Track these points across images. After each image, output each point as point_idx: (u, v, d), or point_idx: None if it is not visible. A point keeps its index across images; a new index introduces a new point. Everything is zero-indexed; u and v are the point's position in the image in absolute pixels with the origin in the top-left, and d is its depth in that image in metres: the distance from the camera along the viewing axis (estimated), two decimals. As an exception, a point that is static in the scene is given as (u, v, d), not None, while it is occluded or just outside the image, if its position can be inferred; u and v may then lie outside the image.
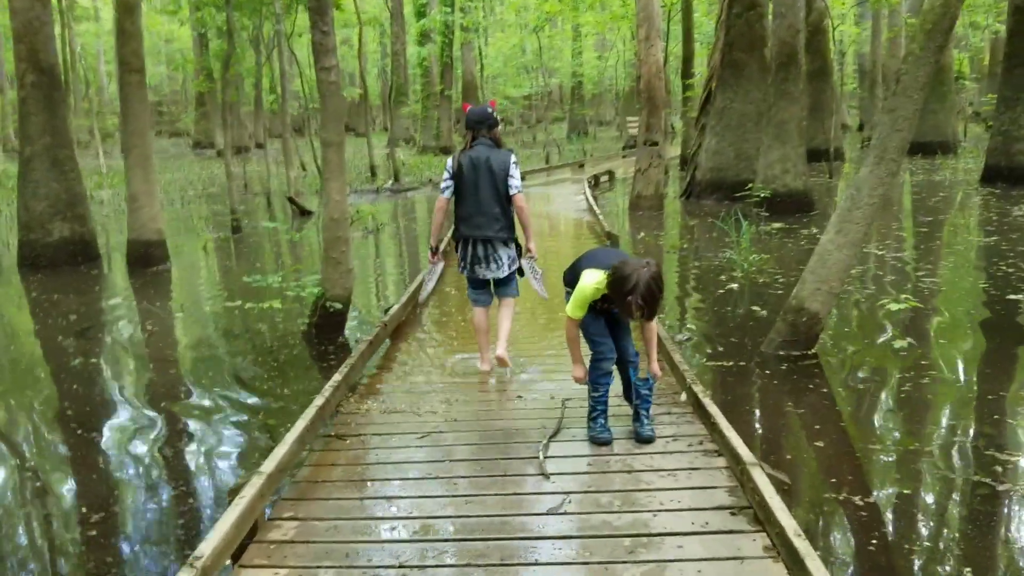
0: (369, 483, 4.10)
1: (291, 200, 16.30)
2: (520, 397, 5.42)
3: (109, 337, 8.28)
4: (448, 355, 6.37)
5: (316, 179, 22.44)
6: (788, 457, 4.99)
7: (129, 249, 11.45)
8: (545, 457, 4.34)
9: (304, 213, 16.06)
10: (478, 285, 5.81)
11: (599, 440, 4.60)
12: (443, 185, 5.60)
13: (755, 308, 8.13)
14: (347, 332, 7.52)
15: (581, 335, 4.64)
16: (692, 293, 9.03)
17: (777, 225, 12.81)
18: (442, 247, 6.18)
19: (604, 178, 22.85)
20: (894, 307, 7.35)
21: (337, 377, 5.32)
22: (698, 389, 4.90)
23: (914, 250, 11.00)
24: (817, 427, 5.32)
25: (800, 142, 14.20)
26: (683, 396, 5.20)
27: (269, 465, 3.77)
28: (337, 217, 7.04)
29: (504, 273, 5.69)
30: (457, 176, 5.50)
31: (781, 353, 6.63)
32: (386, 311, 7.23)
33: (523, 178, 6.04)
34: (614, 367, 4.64)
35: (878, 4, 23.28)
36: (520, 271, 5.77)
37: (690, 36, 22.55)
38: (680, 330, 7.47)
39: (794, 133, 14.06)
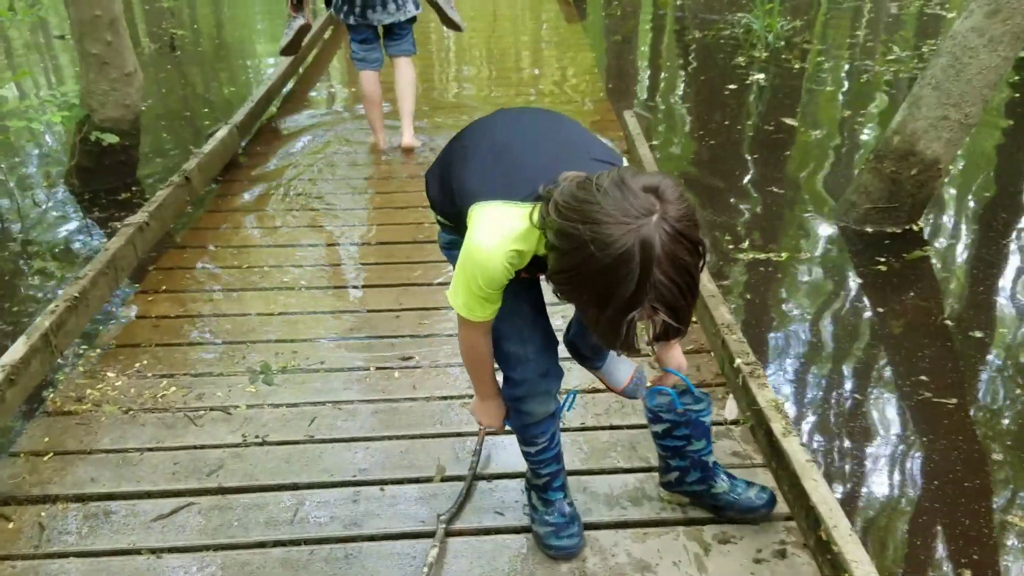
0: None
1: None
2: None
3: None
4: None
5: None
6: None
7: None
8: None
9: None
10: (367, 39, 4.44)
11: (560, 551, 2.07)
12: None
13: (786, 119, 5.25)
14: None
15: (491, 344, 1.89)
16: (698, 95, 6.01)
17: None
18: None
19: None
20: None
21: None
22: (762, 397, 2.26)
23: None
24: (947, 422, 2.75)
25: None
26: (729, 409, 2.55)
27: None
28: (85, -20, 3.85)
29: (409, 14, 4.37)
30: None
31: (868, 229, 3.90)
32: (209, 136, 4.31)
33: None
34: (558, 392, 2.01)
35: None
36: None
37: None
38: (690, 190, 4.64)
39: None
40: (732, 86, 5.99)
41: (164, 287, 3.42)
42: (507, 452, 2.39)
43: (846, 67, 6.29)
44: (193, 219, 4.03)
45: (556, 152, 1.67)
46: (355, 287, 3.40)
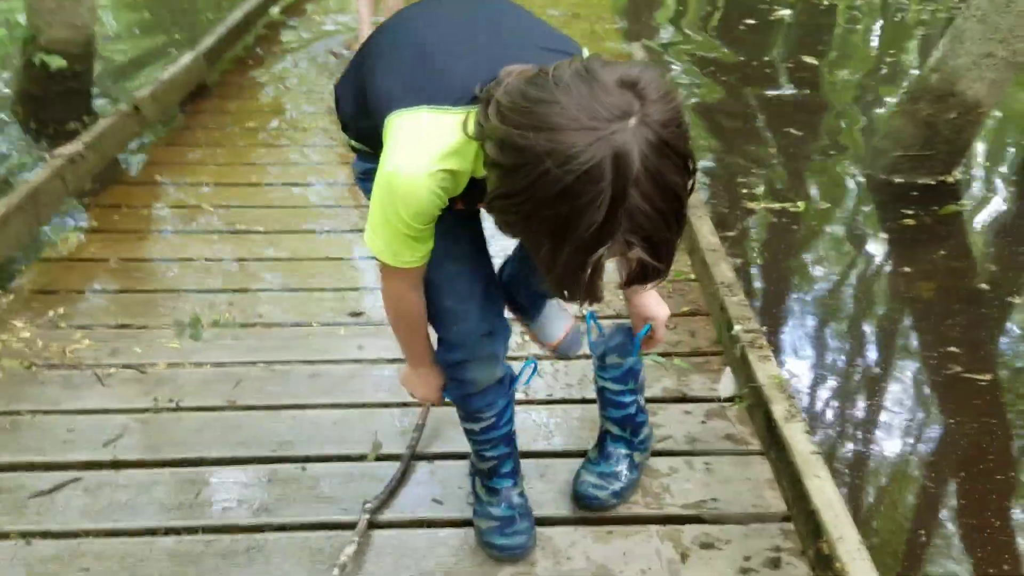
0: None
1: None
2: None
3: None
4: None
5: None
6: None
7: None
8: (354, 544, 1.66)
9: None
10: None
11: (503, 551, 1.69)
12: None
13: (807, 57, 4.75)
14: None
15: (423, 297, 1.50)
16: (713, 24, 5.49)
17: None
18: None
19: None
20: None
21: None
22: (763, 372, 1.88)
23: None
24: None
25: None
26: (724, 385, 2.16)
27: None
28: None
29: None
30: None
31: (897, 179, 3.46)
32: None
33: None
34: (506, 355, 1.62)
35: None
36: None
37: None
38: (702, 140, 4.18)
39: None
40: (752, 21, 5.48)
41: (98, 226, 3.04)
42: (459, 428, 2.02)
43: (880, 3, 5.77)
44: (145, 151, 3.65)
45: (497, 42, 1.27)
46: (314, 232, 3.02)
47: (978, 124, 3.36)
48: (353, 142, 1.48)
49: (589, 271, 1.04)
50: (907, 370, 2.53)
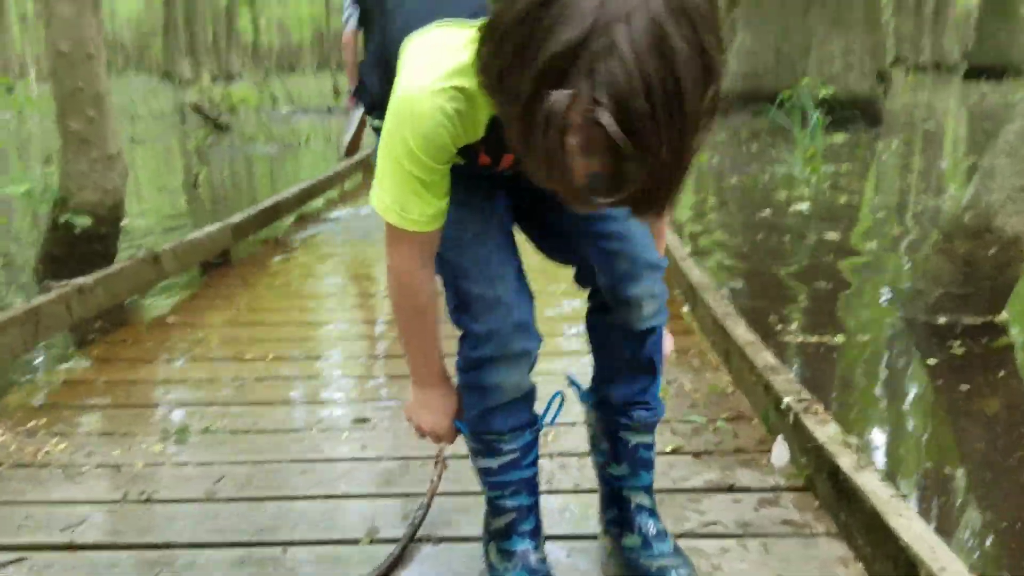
0: None
1: (196, 108, 12.80)
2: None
3: None
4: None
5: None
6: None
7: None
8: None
9: (218, 127, 12.48)
10: None
11: None
12: (346, 15, 4.28)
13: (851, 243, 4.73)
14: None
15: (434, 280, 1.30)
16: (738, 219, 5.55)
17: (840, 138, 9.33)
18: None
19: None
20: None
21: None
22: (823, 433, 1.59)
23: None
24: None
25: (869, 28, 10.64)
26: (777, 453, 1.88)
27: None
28: (68, 50, 3.63)
29: None
30: None
31: (941, 320, 3.27)
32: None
33: None
34: (535, 351, 1.35)
35: None
36: None
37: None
38: (728, 277, 4.09)
39: (859, 16, 10.51)
40: (768, 211, 5.54)
41: (98, 355, 2.90)
42: (471, 514, 1.73)
43: (900, 202, 5.85)
44: (159, 300, 3.57)
45: None
46: (321, 356, 2.84)
47: (1022, 260, 3.21)
48: (377, 122, 1.33)
49: (542, 128, 0.83)
50: (979, 473, 2.19)
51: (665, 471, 1.91)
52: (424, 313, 1.30)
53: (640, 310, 1.36)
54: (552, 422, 1.45)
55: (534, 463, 1.43)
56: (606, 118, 0.80)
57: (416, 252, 1.23)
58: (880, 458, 2.31)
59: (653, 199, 0.87)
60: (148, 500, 1.88)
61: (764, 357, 2.11)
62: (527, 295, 1.34)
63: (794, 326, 3.27)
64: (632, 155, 0.81)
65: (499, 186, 1.33)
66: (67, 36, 3.60)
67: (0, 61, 32.36)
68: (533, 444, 1.41)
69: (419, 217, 1.17)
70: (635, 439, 1.45)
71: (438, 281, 1.31)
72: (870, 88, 10.67)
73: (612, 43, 0.80)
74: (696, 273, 3.09)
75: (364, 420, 2.30)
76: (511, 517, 1.42)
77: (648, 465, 1.49)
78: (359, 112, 4.78)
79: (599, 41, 0.80)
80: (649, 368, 1.43)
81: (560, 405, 1.45)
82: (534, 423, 1.40)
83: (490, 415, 1.35)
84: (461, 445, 2.04)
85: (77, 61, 3.64)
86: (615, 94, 0.80)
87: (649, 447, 1.48)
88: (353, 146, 5.07)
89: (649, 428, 1.46)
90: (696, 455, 2.02)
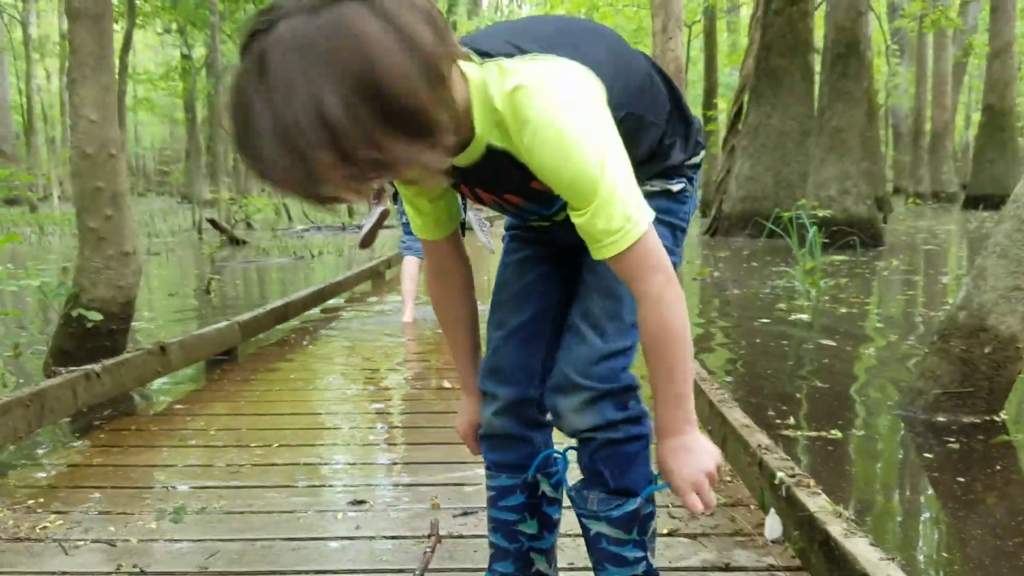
0: None
1: (212, 222, 13.12)
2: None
3: None
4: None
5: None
6: None
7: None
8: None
9: (234, 241, 12.77)
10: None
11: None
12: None
13: (849, 348, 4.77)
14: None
15: (466, 272, 1.48)
16: (738, 325, 5.61)
17: (839, 258, 9.49)
18: (388, 190, 4.98)
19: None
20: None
21: None
22: (814, 503, 1.59)
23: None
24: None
25: (863, 156, 10.98)
26: (770, 526, 1.88)
27: None
28: (93, 152, 3.81)
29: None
30: None
31: (939, 419, 3.27)
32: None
33: None
34: (531, 405, 1.43)
35: (942, 23, 19.97)
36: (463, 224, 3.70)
37: (713, 64, 19.65)
38: (725, 373, 4.11)
39: (855, 144, 10.87)
40: (767, 320, 5.60)
41: (102, 441, 2.92)
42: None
43: (902, 312, 5.91)
44: (165, 393, 3.61)
45: None
46: (324, 443, 2.85)
47: (1018, 360, 3.23)
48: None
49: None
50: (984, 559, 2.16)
51: (662, 551, 1.90)
52: (447, 327, 1.46)
53: (560, 420, 1.33)
54: (554, 481, 1.46)
55: (517, 512, 1.43)
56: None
57: (431, 255, 1.41)
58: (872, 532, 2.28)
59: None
60: (141, 573, 1.87)
61: (758, 438, 2.13)
62: (526, 345, 1.39)
63: (791, 420, 3.28)
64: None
65: (548, 250, 1.43)
66: (92, 138, 3.78)
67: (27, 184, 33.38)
68: (513, 491, 1.42)
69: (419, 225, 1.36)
70: (595, 528, 1.35)
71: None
72: (868, 211, 10.92)
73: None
74: (693, 364, 3.13)
75: (361, 502, 2.30)
76: (490, 552, 1.48)
77: (616, 561, 1.34)
78: (379, 209, 5.21)
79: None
80: (598, 480, 1.32)
81: (565, 466, 1.44)
82: (515, 470, 1.42)
83: (483, 444, 1.45)
84: (455, 525, 2.05)
85: (100, 161, 3.81)
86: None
87: (618, 542, 1.33)
88: (368, 239, 5.37)
89: (613, 523, 1.33)
90: (693, 537, 2.01)
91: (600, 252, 1.11)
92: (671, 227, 1.35)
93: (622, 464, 1.30)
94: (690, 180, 1.40)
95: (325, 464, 2.65)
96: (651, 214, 1.12)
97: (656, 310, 1.14)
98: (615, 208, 1.07)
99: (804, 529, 1.67)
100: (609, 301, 1.30)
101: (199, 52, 27.96)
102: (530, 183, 1.15)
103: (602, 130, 1.06)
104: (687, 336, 1.18)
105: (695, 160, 1.41)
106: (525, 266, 1.42)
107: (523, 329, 1.40)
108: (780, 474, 1.84)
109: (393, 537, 2.05)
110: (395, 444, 2.86)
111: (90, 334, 3.98)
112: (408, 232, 5.01)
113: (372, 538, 2.05)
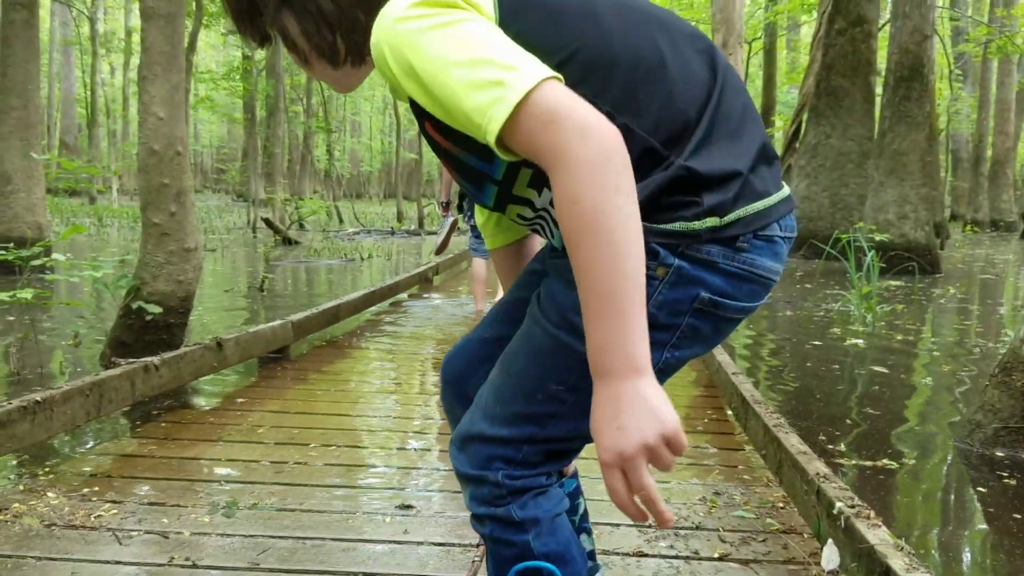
0: None
1: (267, 222, 13.33)
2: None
3: None
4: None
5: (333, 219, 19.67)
6: None
7: None
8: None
9: (287, 241, 12.97)
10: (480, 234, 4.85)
11: None
12: None
13: (903, 376, 4.66)
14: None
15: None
16: (790, 346, 5.53)
17: (896, 283, 9.30)
18: (454, 202, 6.01)
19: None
20: None
21: None
22: (874, 536, 1.55)
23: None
24: None
25: (923, 180, 10.75)
26: (827, 557, 1.84)
27: None
28: (160, 149, 3.89)
29: None
30: None
31: (997, 453, 3.18)
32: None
33: None
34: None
35: (1008, 49, 19.52)
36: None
37: (772, 82, 19.45)
38: (777, 396, 4.05)
39: (916, 168, 10.65)
40: (819, 343, 5.51)
41: (157, 433, 2.97)
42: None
43: (957, 341, 5.76)
44: (220, 388, 3.67)
45: None
46: (369, 447, 2.87)
47: (1082, 398, 3.14)
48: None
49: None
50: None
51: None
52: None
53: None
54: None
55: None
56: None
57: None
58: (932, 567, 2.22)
59: None
60: (194, 566, 1.90)
61: (816, 466, 2.09)
62: (471, 362, 1.29)
63: (842, 447, 3.21)
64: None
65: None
66: (160, 136, 3.87)
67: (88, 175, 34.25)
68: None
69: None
70: None
71: None
72: (926, 237, 10.68)
73: None
74: (748, 387, 3.09)
75: (409, 507, 2.30)
76: None
77: None
78: (450, 219, 5.90)
79: None
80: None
81: (576, 491, 1.38)
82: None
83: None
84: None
85: (166, 158, 3.89)
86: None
87: None
88: (442, 246, 6.08)
89: None
90: (744, 563, 1.98)
91: (490, 139, 0.86)
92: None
93: (496, 565, 1.09)
94: (683, 256, 0.97)
95: (373, 466, 2.67)
96: (539, 69, 0.86)
97: (562, 179, 0.83)
98: (474, 79, 0.86)
99: (863, 561, 1.63)
100: (502, 377, 1.08)
101: (260, 54, 28.48)
102: (425, 125, 1.00)
103: (433, 24, 0.89)
104: (615, 220, 0.82)
105: (691, 226, 0.96)
106: (527, 280, 1.29)
107: (481, 344, 1.28)
108: (839, 504, 1.80)
109: (441, 544, 2.05)
110: (444, 450, 2.86)
111: (148, 327, 4.06)
112: (476, 235, 5.66)
113: (420, 543, 2.06)
